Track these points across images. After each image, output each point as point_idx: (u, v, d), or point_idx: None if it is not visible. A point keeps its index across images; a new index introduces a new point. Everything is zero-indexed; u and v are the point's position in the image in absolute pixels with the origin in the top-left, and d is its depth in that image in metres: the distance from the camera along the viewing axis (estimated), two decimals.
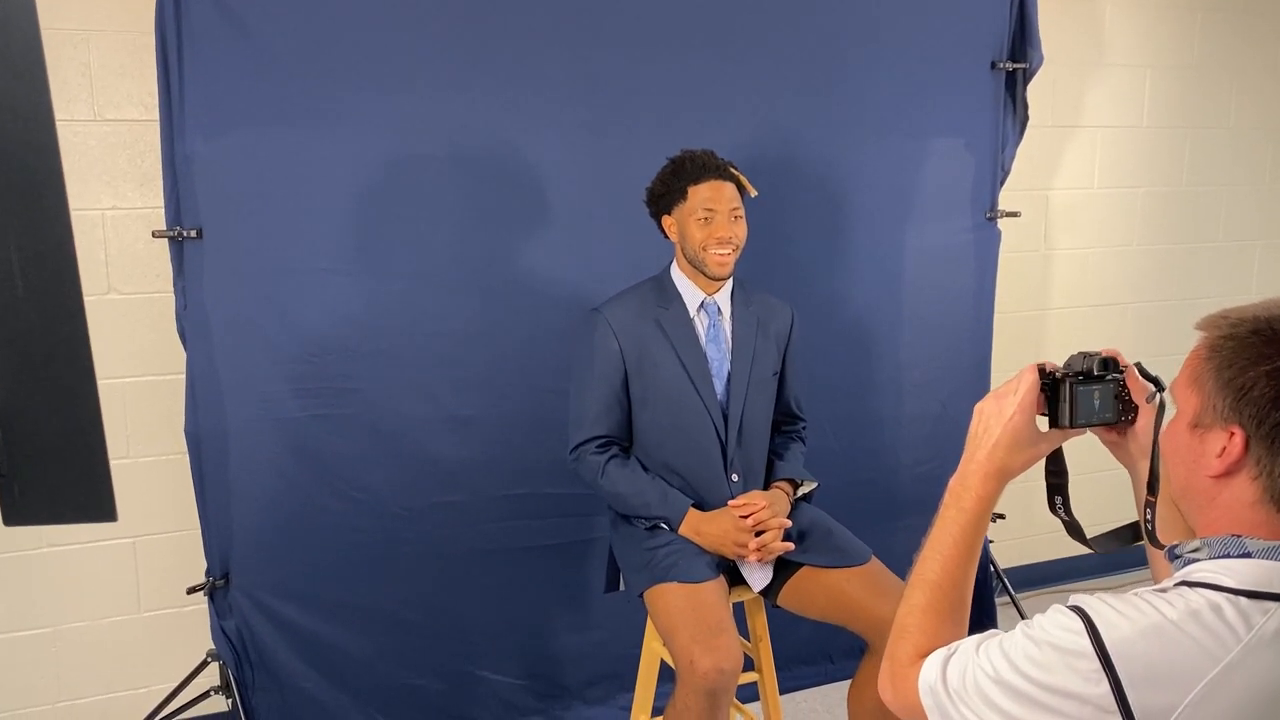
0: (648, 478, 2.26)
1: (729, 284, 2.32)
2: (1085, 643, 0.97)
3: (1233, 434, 1.02)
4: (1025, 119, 3.11)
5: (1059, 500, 1.35)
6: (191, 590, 2.44)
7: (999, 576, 3.24)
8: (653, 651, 2.46)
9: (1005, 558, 3.52)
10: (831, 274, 2.90)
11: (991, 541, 3.31)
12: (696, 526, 2.22)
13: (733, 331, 2.31)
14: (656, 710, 2.58)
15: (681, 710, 2.03)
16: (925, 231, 3.01)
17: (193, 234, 2.31)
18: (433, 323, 2.54)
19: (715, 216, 2.21)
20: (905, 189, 2.97)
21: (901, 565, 3.13)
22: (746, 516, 2.19)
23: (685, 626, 2.03)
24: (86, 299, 2.30)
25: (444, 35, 2.46)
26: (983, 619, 3.27)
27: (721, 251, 2.22)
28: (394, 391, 2.52)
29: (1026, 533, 3.70)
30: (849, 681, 2.29)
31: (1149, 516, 1.20)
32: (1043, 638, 1.01)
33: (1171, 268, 3.77)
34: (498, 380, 2.61)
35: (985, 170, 3.08)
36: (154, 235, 2.30)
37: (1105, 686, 0.95)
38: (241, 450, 2.42)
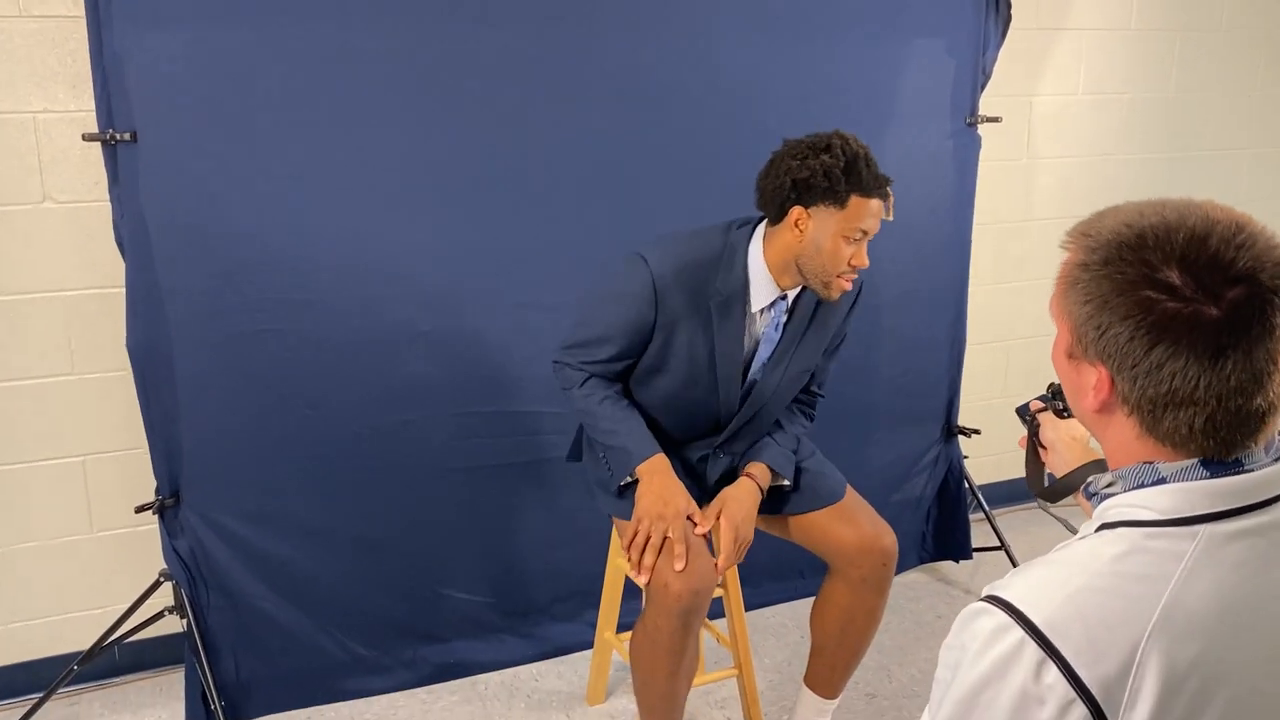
0: (630, 411, 2.08)
1: None
2: (1018, 633, 0.87)
3: (1099, 370, 0.94)
4: (1008, 20, 2.98)
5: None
6: (140, 509, 2.36)
7: (974, 493, 3.20)
8: (617, 568, 2.42)
9: (980, 474, 3.47)
10: None
11: (966, 458, 3.26)
12: (650, 476, 2.00)
13: (785, 327, 2.08)
14: (622, 625, 2.55)
15: (652, 630, 1.98)
16: (903, 136, 2.89)
17: (126, 137, 2.18)
18: (389, 232, 2.42)
19: (864, 240, 1.94)
20: (882, 92, 2.85)
21: (877, 478, 3.14)
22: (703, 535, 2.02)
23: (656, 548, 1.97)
24: (20, 208, 2.18)
25: None
26: (957, 535, 3.24)
27: (852, 279, 1.98)
28: (348, 305, 2.42)
29: (1001, 449, 3.66)
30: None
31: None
32: (972, 650, 0.89)
33: (1156, 178, 3.67)
34: (459, 294, 2.51)
35: (966, 74, 2.96)
36: (84, 139, 2.17)
37: (1054, 671, 0.85)
38: (187, 366, 2.32)
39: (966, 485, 3.22)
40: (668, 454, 2.05)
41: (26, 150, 2.32)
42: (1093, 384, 0.95)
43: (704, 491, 2.21)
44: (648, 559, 1.95)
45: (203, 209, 2.27)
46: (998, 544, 3.14)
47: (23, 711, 2.46)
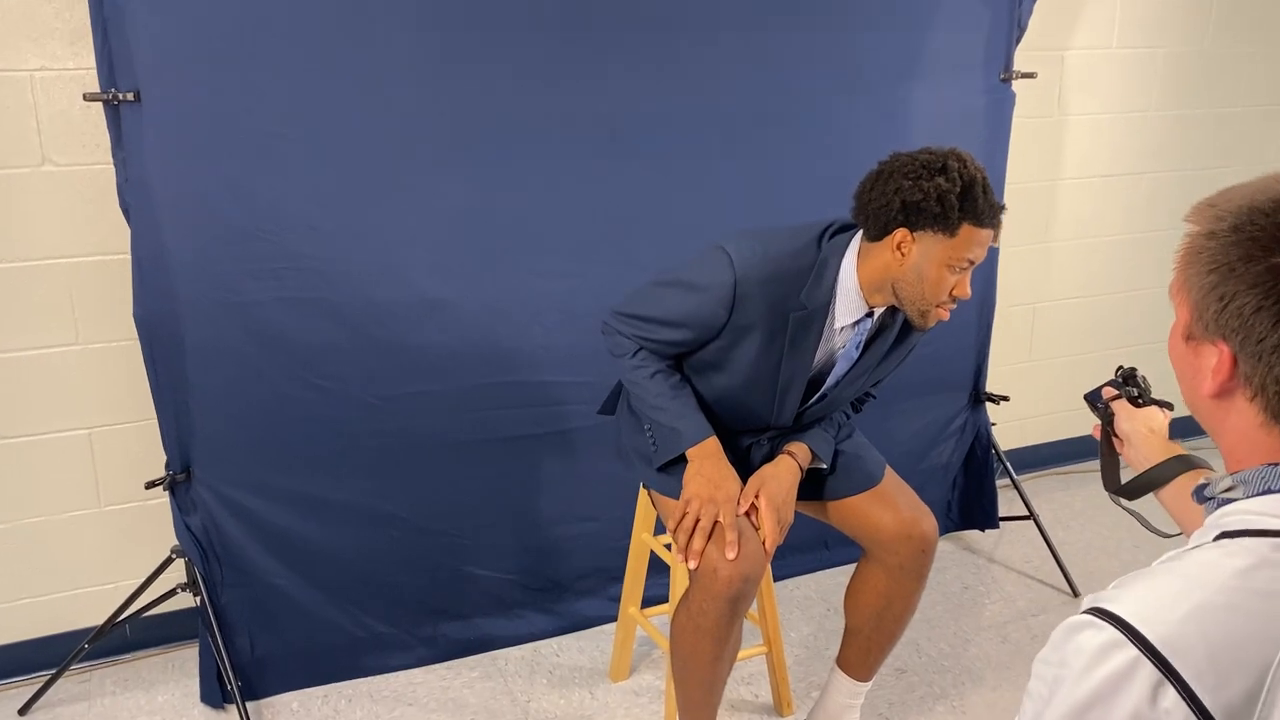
0: (683, 389, 1.97)
1: None
2: (1131, 651, 0.78)
3: (1221, 349, 0.86)
4: None
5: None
6: (150, 485, 2.28)
7: (1000, 459, 3.13)
8: (642, 543, 2.34)
9: (1006, 439, 3.40)
10: (830, 137, 2.68)
11: (994, 425, 3.18)
12: (701, 459, 1.92)
13: (870, 341, 1.96)
14: (647, 601, 2.49)
15: (698, 615, 1.90)
16: (935, 93, 2.78)
17: (129, 97, 2.07)
18: (405, 196, 2.32)
19: (970, 270, 1.80)
20: (914, 45, 2.73)
21: (903, 447, 3.06)
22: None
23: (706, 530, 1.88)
24: (18, 171, 2.06)
25: None
26: (984, 504, 3.17)
27: (951, 309, 1.85)
28: (362, 272, 2.32)
29: (1027, 414, 3.58)
30: (843, 569, 2.17)
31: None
32: (1077, 667, 0.81)
33: (1190, 136, 3.56)
34: (479, 261, 2.41)
35: (1001, 26, 2.84)
36: (85, 99, 2.06)
37: (1173, 694, 0.77)
38: (197, 336, 2.23)
39: (994, 453, 3.14)
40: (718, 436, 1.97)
41: (24, 110, 2.21)
42: (1212, 365, 0.87)
43: (746, 474, 2.12)
44: (696, 543, 1.86)
45: (210, 172, 2.16)
46: (1025, 513, 3.07)
47: (34, 689, 2.40)
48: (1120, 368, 1.39)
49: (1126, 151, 3.47)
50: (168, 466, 2.31)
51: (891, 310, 1.94)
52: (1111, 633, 0.80)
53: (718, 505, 1.88)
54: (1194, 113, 3.53)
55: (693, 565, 1.87)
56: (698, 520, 1.88)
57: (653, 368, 1.96)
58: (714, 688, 2.00)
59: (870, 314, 1.91)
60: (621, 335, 1.99)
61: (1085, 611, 0.84)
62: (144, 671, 2.56)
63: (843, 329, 1.92)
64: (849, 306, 1.88)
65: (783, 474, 1.99)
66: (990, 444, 3.14)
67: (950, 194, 1.73)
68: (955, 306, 1.85)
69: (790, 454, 2.03)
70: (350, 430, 2.40)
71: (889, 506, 2.02)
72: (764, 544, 1.92)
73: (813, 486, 2.09)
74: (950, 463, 3.16)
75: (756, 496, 1.95)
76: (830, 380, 2.01)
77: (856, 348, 1.95)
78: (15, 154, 2.21)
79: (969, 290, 1.82)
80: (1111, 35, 3.30)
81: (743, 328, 1.87)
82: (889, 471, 2.11)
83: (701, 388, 2.02)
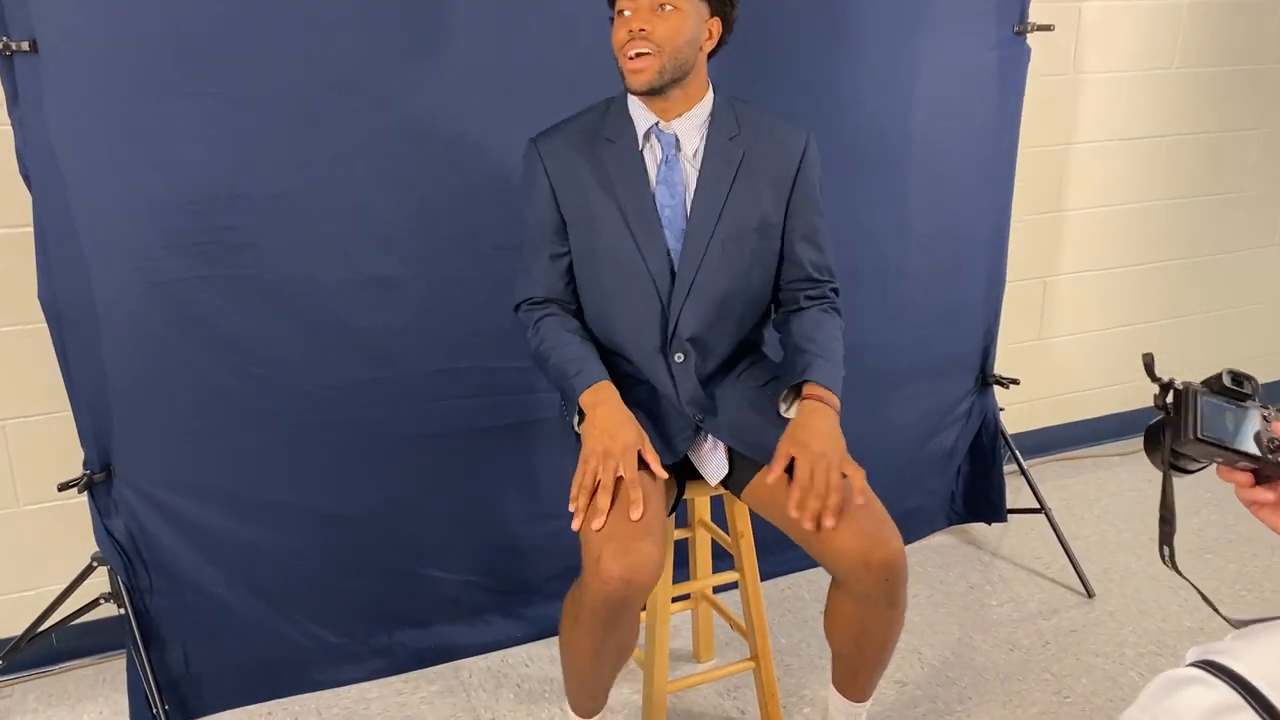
0: (578, 339, 1.84)
1: (700, 108, 1.80)
2: (1250, 717, 0.65)
3: None
4: None
5: (1167, 551, 0.98)
6: (64, 486, 2.04)
7: (1008, 444, 2.90)
8: None
9: (1013, 424, 3.18)
10: (831, 94, 2.43)
11: (1002, 410, 2.94)
12: (593, 408, 1.74)
13: (701, 171, 1.80)
14: None
15: (575, 603, 1.74)
16: (941, 46, 2.52)
17: (24, 46, 1.81)
18: (345, 163, 2.06)
19: (631, 19, 1.70)
20: None
21: (903, 434, 2.83)
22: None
23: None
24: None
25: None
26: (991, 496, 2.95)
27: (635, 53, 1.70)
28: (299, 247, 2.07)
29: (1034, 395, 3.35)
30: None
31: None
32: None
33: (1216, 94, 3.30)
34: (428, 234, 2.16)
35: None
36: None
37: None
38: (114, 320, 1.98)
39: (1002, 440, 2.91)
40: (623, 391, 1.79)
41: None
42: None
43: (669, 448, 1.86)
44: (600, 500, 1.66)
45: (118, 132, 1.90)
46: (1036, 506, 2.85)
47: None
48: (1229, 374, 0.95)
49: (1146, 113, 3.21)
50: (85, 465, 2.06)
51: (725, 134, 1.82)
52: (1226, 693, 0.68)
53: (615, 458, 1.68)
54: (1221, 69, 3.27)
55: (597, 525, 1.65)
56: (598, 481, 1.67)
57: (548, 329, 1.85)
58: (592, 680, 1.86)
59: (656, 125, 1.80)
60: (520, 317, 1.91)
61: (1194, 664, 0.71)
62: (70, 685, 2.33)
63: (644, 147, 1.81)
64: (639, 123, 1.81)
65: (817, 424, 1.69)
66: (998, 431, 2.91)
67: None
68: (638, 46, 1.70)
69: (813, 397, 1.73)
70: (291, 422, 2.15)
71: (845, 528, 1.67)
72: (824, 519, 1.63)
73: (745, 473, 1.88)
74: (955, 450, 2.93)
75: (790, 467, 1.67)
76: (664, 217, 1.80)
77: (665, 164, 1.80)
78: None
79: (641, 21, 1.69)
80: None
81: (569, 192, 1.82)
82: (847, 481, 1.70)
83: (593, 301, 1.88)
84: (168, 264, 1.98)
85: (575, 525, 1.68)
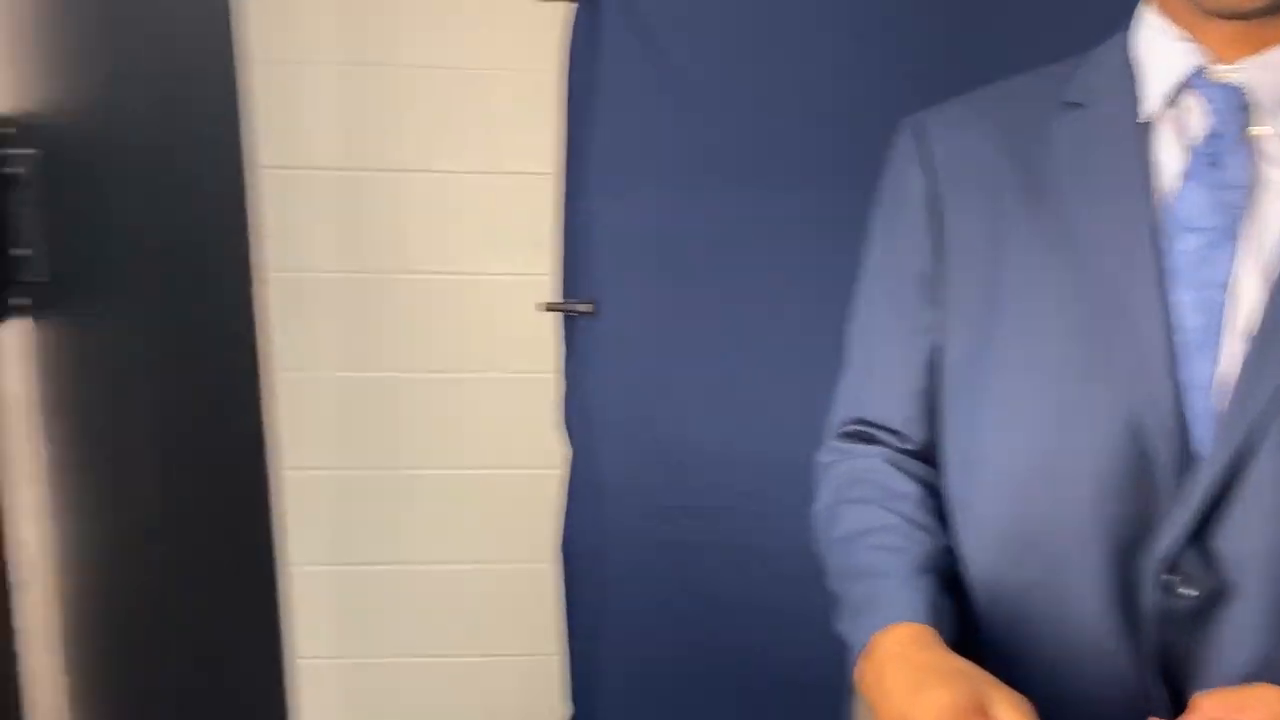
0: (910, 544, 0.96)
1: None
2: None
3: None
4: None
5: None
6: None
7: None
8: None
9: None
10: None
11: None
12: (885, 661, 0.85)
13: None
14: None
15: None
16: None
17: (586, 309, 1.93)
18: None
19: None
20: None
21: None
22: None
23: None
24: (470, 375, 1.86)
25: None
26: None
27: None
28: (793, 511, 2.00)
29: None
30: None
31: None
32: None
33: None
34: None
35: None
36: (545, 308, 1.94)
37: None
38: (621, 570, 2.00)
39: None
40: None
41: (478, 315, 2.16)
42: None
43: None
44: None
45: (653, 393, 1.96)
46: None
47: None
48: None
49: None
50: (574, 713, 2.05)
51: None
52: None
53: None
54: None
55: None
56: None
57: (849, 511, 1.03)
58: None
59: (1202, 69, 0.86)
60: (820, 473, 1.14)
61: None
62: None
63: (1161, 118, 0.89)
64: (1161, 69, 0.88)
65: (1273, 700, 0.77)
66: None
67: None
68: None
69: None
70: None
71: None
72: None
73: None
74: None
75: None
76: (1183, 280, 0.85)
77: (1208, 156, 0.85)
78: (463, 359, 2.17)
79: None
80: None
81: (964, 209, 0.95)
82: None
83: (978, 473, 0.96)
84: (682, 524, 1.98)
85: None
